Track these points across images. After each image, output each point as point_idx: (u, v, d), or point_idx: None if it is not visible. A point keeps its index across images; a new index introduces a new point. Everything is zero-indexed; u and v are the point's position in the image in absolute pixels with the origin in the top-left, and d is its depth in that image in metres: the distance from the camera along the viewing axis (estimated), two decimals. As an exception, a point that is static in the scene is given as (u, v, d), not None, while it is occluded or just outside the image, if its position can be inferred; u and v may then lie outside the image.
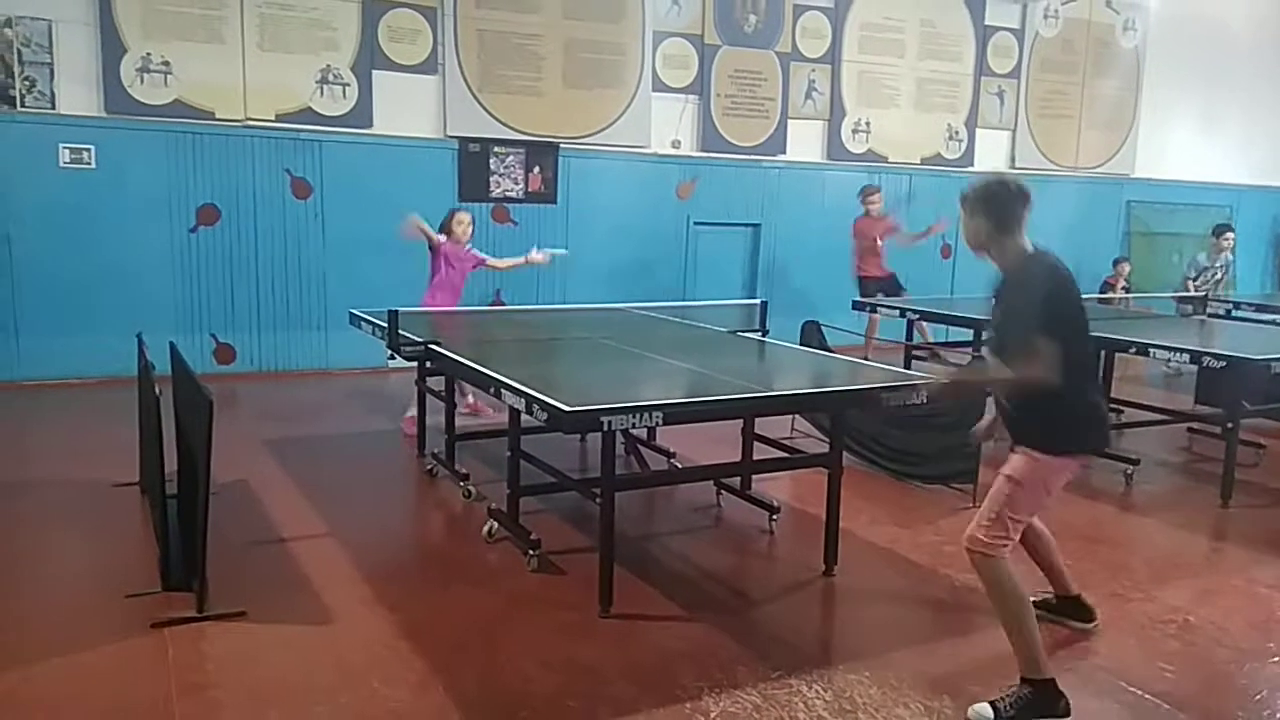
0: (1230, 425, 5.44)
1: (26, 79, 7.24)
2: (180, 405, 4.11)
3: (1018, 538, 3.22)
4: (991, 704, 3.11)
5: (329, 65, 8.10)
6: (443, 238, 6.38)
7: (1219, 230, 9.60)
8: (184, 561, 3.84)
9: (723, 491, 5.14)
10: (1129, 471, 5.77)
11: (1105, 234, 11.94)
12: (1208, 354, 5.35)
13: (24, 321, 7.41)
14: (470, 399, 6.65)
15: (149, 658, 3.35)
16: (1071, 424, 3.19)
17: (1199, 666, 3.52)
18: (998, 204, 3.19)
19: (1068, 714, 3.09)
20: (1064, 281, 3.16)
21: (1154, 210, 12.35)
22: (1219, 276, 9.50)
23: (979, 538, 3.17)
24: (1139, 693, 3.29)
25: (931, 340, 8.46)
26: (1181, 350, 5.49)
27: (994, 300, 3.36)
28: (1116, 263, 10.81)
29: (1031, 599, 3.61)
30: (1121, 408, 6.85)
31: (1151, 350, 5.56)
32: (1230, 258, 9.68)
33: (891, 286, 9.17)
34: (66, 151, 7.40)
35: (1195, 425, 6.74)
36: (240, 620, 3.60)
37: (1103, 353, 6.40)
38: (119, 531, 4.51)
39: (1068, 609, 3.78)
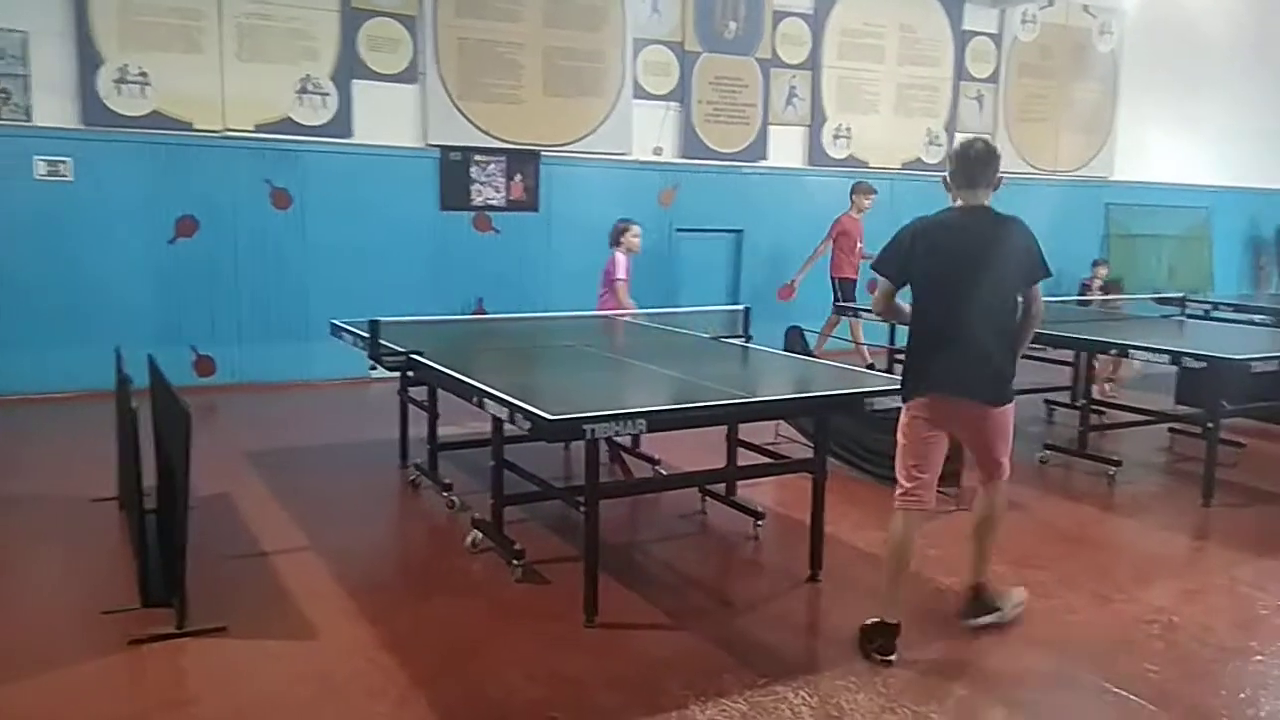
0: (1211, 425, 5.47)
1: (1, 91, 7.18)
2: (159, 418, 4.07)
3: (918, 491, 3.53)
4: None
5: (308, 75, 8.06)
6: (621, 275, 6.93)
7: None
8: (163, 577, 3.79)
9: (707, 498, 5.13)
10: (1111, 472, 5.81)
11: (1085, 236, 12.00)
12: (1187, 354, 5.38)
13: (0, 336, 7.33)
14: None
15: (127, 675, 3.32)
16: (908, 367, 3.63)
17: (1183, 666, 3.53)
18: (953, 162, 3.66)
19: (887, 653, 3.44)
20: (927, 229, 3.55)
21: (1133, 212, 12.44)
22: None
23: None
24: (1123, 693, 3.29)
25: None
26: (1160, 351, 5.51)
27: None
28: (1094, 264, 10.87)
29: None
30: (1103, 409, 6.89)
31: (1130, 351, 5.60)
32: None
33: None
34: (43, 164, 7.33)
35: (1176, 425, 6.79)
36: (221, 635, 3.56)
37: (1083, 354, 6.46)
38: (97, 547, 4.46)
39: (968, 597, 3.80)
